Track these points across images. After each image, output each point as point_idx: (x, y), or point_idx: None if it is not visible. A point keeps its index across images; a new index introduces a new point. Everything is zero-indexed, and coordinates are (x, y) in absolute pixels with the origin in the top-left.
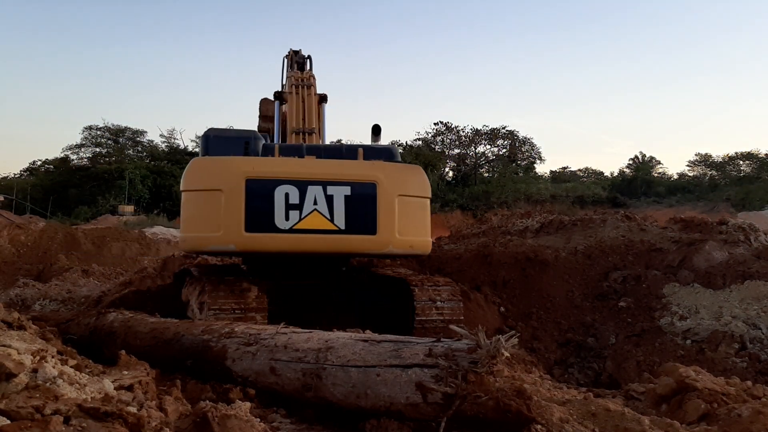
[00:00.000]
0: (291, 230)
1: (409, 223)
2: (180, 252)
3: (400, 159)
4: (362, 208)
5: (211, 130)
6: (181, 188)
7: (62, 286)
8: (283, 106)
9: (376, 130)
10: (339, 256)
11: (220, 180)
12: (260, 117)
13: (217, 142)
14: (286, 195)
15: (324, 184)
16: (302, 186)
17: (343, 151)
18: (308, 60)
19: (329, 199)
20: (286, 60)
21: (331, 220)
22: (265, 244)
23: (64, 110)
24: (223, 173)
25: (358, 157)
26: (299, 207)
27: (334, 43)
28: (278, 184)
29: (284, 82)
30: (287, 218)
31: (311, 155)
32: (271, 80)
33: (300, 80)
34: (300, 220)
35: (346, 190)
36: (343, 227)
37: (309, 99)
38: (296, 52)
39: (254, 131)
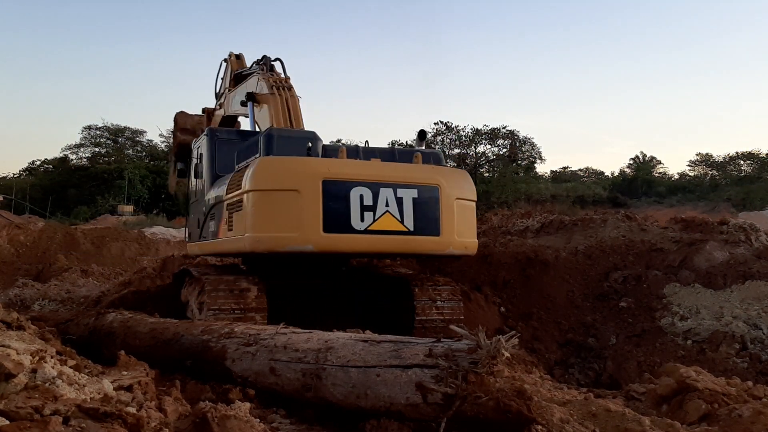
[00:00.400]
0: (366, 231)
1: (463, 225)
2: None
3: (445, 163)
4: (428, 210)
5: (274, 129)
6: (250, 188)
7: (61, 287)
8: (257, 107)
9: (422, 135)
10: (406, 256)
11: (297, 181)
12: (179, 130)
13: (281, 142)
14: (361, 196)
15: (394, 186)
16: (375, 188)
17: (396, 155)
18: (278, 62)
19: (399, 201)
20: (224, 63)
21: (402, 222)
22: (343, 244)
23: (63, 110)
24: (300, 174)
25: (413, 160)
26: (373, 209)
27: (334, 43)
28: (353, 186)
29: (227, 85)
30: (362, 219)
31: (368, 158)
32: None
33: (278, 82)
34: (374, 221)
35: (414, 193)
36: (411, 228)
37: (293, 100)
38: (238, 56)
39: (314, 132)
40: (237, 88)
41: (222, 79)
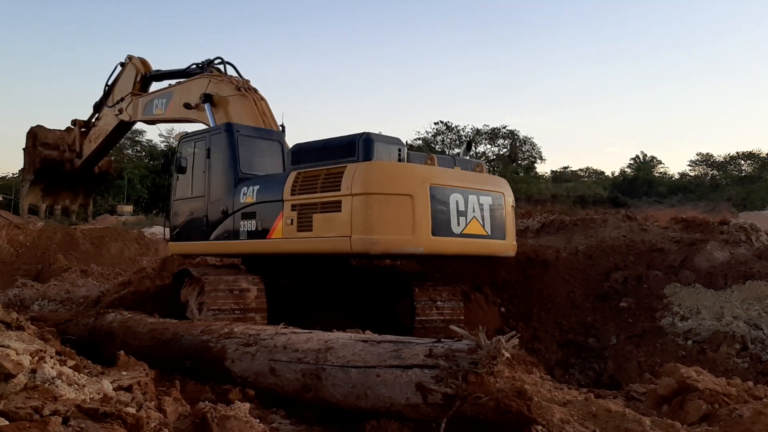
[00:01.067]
0: (461, 234)
1: (514, 229)
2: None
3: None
4: (498, 216)
5: (371, 134)
6: (364, 191)
7: (61, 287)
8: (214, 108)
9: (469, 146)
10: (482, 259)
11: (410, 186)
12: (41, 144)
13: (379, 147)
14: (457, 202)
15: (477, 194)
16: (465, 195)
17: (456, 163)
18: (225, 65)
19: (481, 208)
20: (121, 67)
21: (483, 226)
22: (445, 247)
23: (62, 109)
24: (412, 180)
25: (475, 169)
26: (465, 214)
27: (334, 41)
28: (451, 192)
29: (130, 90)
30: (458, 224)
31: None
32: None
33: (243, 83)
34: (466, 225)
35: (490, 200)
36: (489, 233)
37: (263, 102)
38: (131, 58)
39: (399, 138)
40: (156, 92)
41: (110, 85)
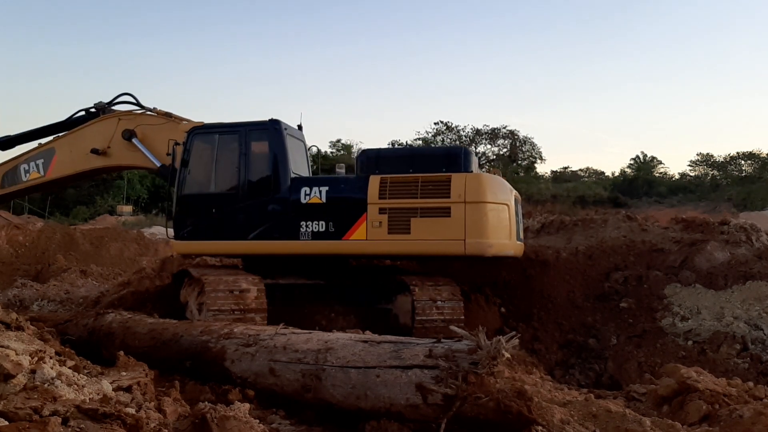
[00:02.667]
0: (519, 239)
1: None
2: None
3: None
4: (521, 221)
5: (467, 148)
6: (478, 199)
7: (60, 287)
8: (144, 142)
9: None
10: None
11: (506, 196)
12: None
13: (473, 159)
14: (517, 211)
15: (519, 203)
16: (517, 204)
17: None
18: (124, 105)
19: (522, 215)
20: None
21: (523, 231)
22: (519, 250)
23: (61, 109)
24: (506, 191)
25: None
26: (519, 221)
27: (332, 39)
28: (516, 202)
29: None
30: (519, 230)
31: None
32: None
33: (164, 112)
34: (519, 231)
35: (520, 208)
36: (522, 237)
37: (200, 124)
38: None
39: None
40: (20, 158)
41: None
